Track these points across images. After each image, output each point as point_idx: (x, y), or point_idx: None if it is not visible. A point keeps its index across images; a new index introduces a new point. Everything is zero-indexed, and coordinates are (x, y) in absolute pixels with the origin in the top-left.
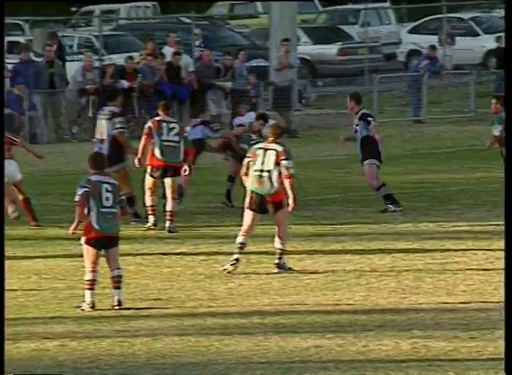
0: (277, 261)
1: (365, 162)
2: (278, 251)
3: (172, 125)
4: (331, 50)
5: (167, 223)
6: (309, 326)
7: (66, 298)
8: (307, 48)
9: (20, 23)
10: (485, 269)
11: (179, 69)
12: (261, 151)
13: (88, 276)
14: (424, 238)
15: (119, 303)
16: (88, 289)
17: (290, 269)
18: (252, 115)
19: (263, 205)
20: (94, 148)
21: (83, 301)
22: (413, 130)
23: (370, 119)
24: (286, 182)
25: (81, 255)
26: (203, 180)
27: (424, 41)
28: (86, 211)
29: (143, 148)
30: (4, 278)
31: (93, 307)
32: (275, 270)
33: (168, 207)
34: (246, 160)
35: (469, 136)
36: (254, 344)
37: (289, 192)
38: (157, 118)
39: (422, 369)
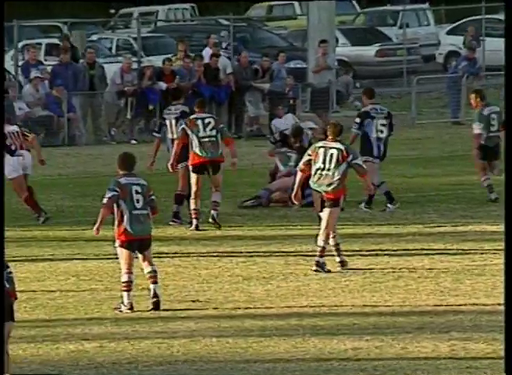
0: (317, 259)
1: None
2: (319, 248)
3: (207, 120)
4: (369, 51)
5: (212, 211)
6: (347, 328)
7: (105, 299)
8: (345, 50)
9: (59, 25)
10: None
11: (217, 70)
12: (321, 150)
13: (124, 277)
14: (463, 240)
15: (155, 295)
16: (125, 291)
17: (329, 270)
18: (290, 117)
19: (322, 202)
20: (168, 146)
21: (122, 303)
22: (451, 131)
23: (359, 119)
24: (364, 179)
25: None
26: (240, 181)
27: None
28: (118, 214)
29: (176, 152)
30: (3, 278)
31: (131, 308)
32: (314, 268)
33: (214, 197)
34: (305, 158)
35: None
36: (292, 346)
37: (369, 186)
38: (191, 116)
39: (461, 371)
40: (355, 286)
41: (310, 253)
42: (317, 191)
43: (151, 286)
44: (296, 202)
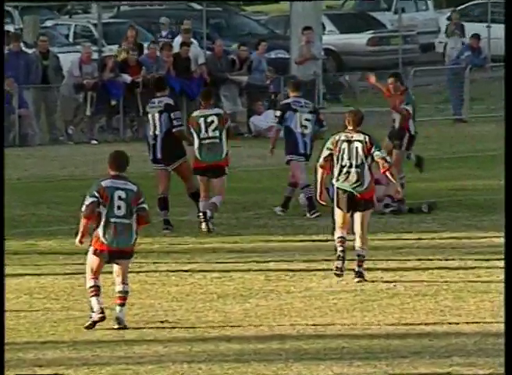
0: (357, 269)
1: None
2: (358, 257)
3: (210, 118)
4: (360, 40)
5: (207, 212)
6: (335, 353)
7: (61, 320)
8: (332, 38)
9: (9, 9)
10: None
11: (188, 61)
12: (345, 145)
13: (90, 282)
14: (466, 253)
15: (119, 321)
16: (93, 296)
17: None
18: (271, 113)
19: (353, 203)
20: (149, 143)
21: (92, 311)
22: (453, 130)
23: (279, 112)
24: (387, 174)
25: (78, 273)
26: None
27: (467, 28)
28: (97, 220)
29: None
30: (4, 282)
31: (102, 313)
32: (356, 280)
33: (213, 199)
34: (326, 152)
35: None
36: (274, 373)
37: (394, 182)
38: (194, 113)
39: None
40: (344, 305)
41: (293, 267)
42: (345, 190)
43: (117, 308)
44: (323, 203)
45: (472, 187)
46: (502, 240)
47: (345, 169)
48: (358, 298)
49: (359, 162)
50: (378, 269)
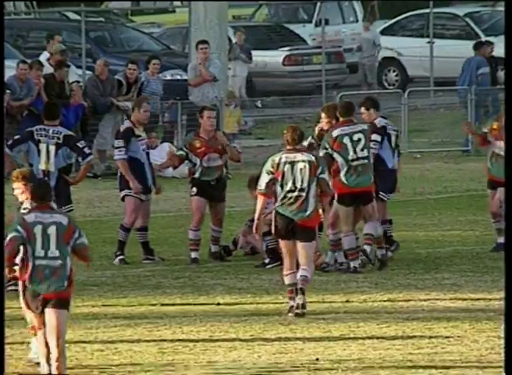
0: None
1: None
2: (302, 278)
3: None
4: (274, 58)
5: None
6: None
7: None
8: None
9: None
10: (489, 363)
11: (64, 83)
12: (288, 167)
13: None
14: (404, 318)
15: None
16: None
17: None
18: (166, 146)
19: (292, 230)
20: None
21: None
22: None
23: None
24: (324, 201)
25: None
26: (97, 237)
27: (404, 45)
28: None
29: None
30: (3, 278)
31: None
32: (297, 311)
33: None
34: (266, 177)
35: (465, 177)
36: None
37: (322, 216)
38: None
39: None
40: None
41: (193, 337)
42: (284, 216)
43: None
44: (257, 236)
45: (411, 239)
46: (447, 302)
47: (289, 194)
48: None
49: (305, 184)
50: (297, 338)
